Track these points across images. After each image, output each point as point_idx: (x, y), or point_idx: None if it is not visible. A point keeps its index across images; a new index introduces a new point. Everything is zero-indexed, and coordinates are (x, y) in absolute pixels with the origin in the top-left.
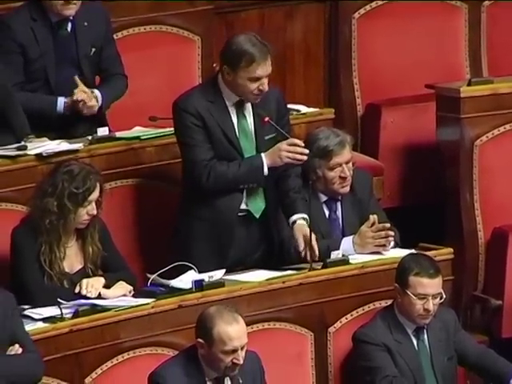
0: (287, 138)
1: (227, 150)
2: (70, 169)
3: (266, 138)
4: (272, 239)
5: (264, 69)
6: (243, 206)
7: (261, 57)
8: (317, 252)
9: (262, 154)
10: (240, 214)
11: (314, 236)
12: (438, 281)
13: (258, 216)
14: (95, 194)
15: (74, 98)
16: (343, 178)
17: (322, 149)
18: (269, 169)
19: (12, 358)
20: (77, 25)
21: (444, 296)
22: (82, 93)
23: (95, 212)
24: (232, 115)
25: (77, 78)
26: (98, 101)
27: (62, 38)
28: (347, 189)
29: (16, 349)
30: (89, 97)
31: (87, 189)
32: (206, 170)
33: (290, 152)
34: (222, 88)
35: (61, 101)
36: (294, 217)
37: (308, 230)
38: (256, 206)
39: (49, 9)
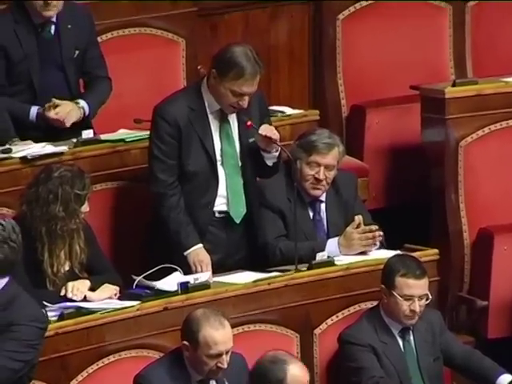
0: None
1: (204, 161)
2: (63, 173)
3: (250, 140)
4: (253, 243)
5: (250, 87)
6: (224, 208)
7: (250, 74)
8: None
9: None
10: (219, 215)
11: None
12: (424, 282)
13: (238, 221)
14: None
15: (50, 115)
16: (317, 180)
17: (308, 142)
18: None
19: None
20: (60, 27)
21: (430, 297)
22: (59, 113)
23: (88, 209)
24: (212, 124)
25: (54, 99)
26: (84, 111)
27: (46, 41)
28: (318, 192)
29: None
30: (65, 114)
31: (88, 188)
32: (163, 192)
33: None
34: (205, 94)
35: (34, 110)
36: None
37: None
38: (237, 211)
39: (31, 10)
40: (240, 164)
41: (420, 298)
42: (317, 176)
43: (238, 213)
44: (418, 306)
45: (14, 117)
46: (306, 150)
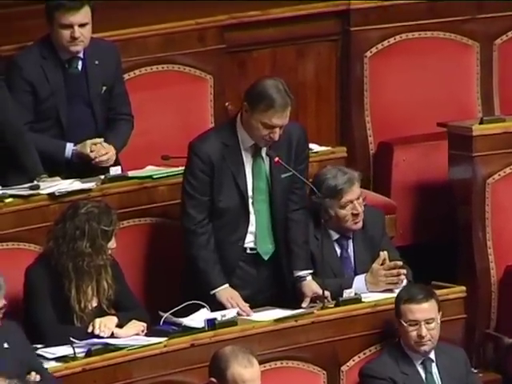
0: (299, 178)
1: (236, 197)
2: (90, 210)
3: (283, 176)
4: (283, 280)
5: (280, 119)
6: (252, 245)
7: (280, 106)
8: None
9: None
10: (250, 251)
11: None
12: (428, 306)
13: (266, 258)
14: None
15: (89, 153)
16: (355, 215)
17: (331, 188)
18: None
19: None
20: (87, 63)
21: (438, 322)
22: (95, 147)
23: (115, 245)
24: (245, 161)
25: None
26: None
27: (73, 77)
28: (360, 224)
29: (34, 377)
30: (101, 151)
31: (115, 224)
32: (193, 229)
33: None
34: (239, 130)
35: (69, 147)
36: (301, 272)
37: (317, 286)
38: (265, 248)
39: (58, 46)
40: (270, 200)
41: (426, 322)
42: (354, 212)
43: (267, 249)
44: (424, 330)
45: (48, 154)
46: (333, 197)
